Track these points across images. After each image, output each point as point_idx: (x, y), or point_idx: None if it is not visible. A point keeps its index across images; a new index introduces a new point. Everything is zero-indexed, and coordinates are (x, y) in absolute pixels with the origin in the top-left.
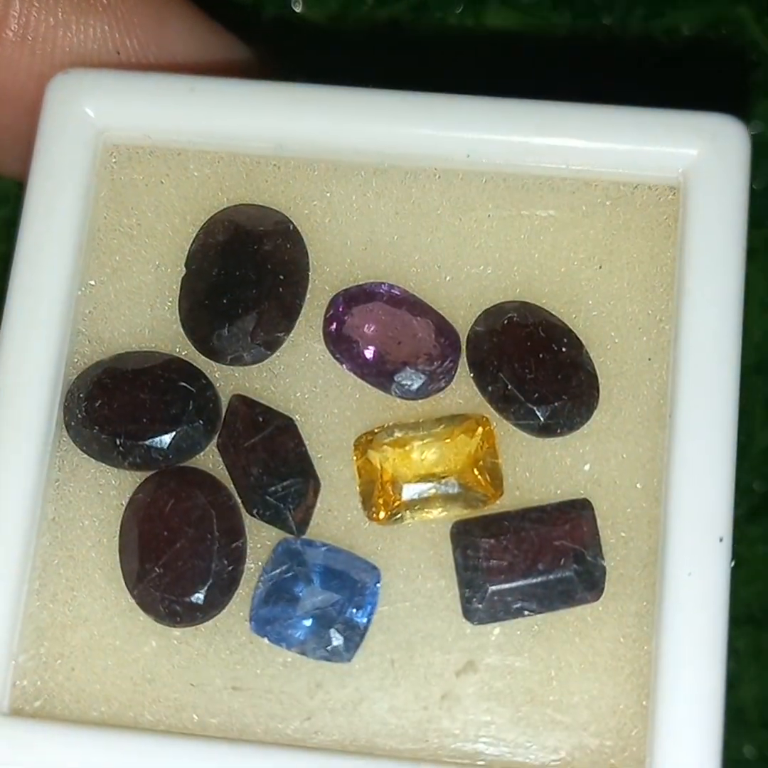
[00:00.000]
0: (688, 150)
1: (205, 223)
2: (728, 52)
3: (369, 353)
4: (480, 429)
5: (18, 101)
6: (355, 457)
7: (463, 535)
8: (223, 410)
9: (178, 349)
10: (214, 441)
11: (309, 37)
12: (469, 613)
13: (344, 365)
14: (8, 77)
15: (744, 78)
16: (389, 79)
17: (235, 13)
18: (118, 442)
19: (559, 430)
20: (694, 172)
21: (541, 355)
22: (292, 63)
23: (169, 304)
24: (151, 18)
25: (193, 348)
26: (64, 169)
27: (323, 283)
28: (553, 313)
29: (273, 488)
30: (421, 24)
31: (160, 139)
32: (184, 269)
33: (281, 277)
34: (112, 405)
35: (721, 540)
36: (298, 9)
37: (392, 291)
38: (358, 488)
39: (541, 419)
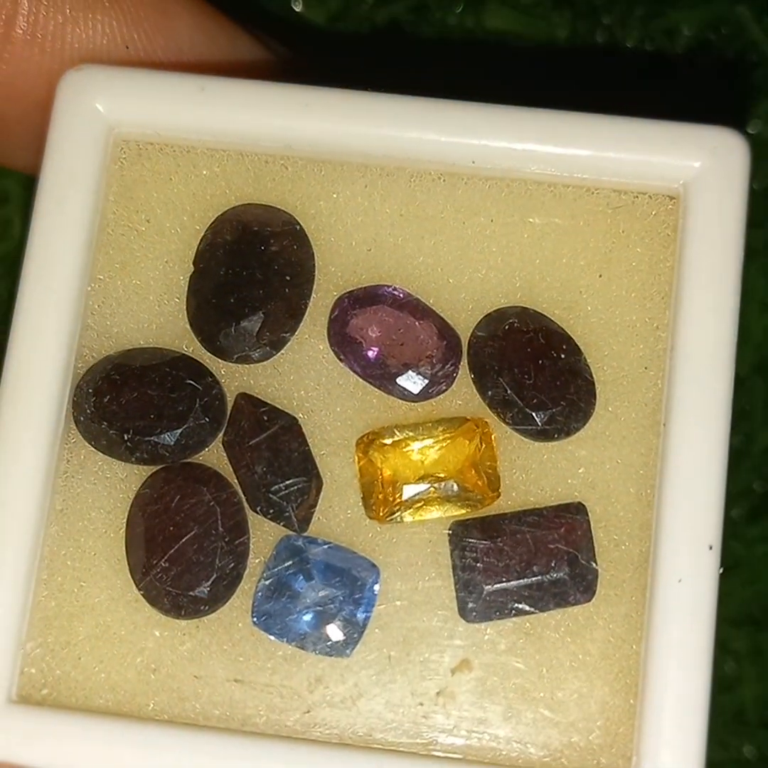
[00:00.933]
0: (690, 162)
1: (213, 222)
2: (728, 52)
3: (372, 354)
4: (479, 432)
5: (29, 98)
6: (356, 457)
7: (460, 536)
8: (229, 408)
9: (184, 345)
10: (220, 438)
11: (309, 36)
12: (464, 612)
13: (347, 365)
14: (19, 74)
15: (744, 78)
16: (389, 79)
17: (235, 13)
18: (125, 438)
19: (556, 435)
20: (694, 183)
21: (540, 361)
22: (291, 62)
23: (177, 300)
24: (157, 11)
25: (200, 345)
26: (75, 164)
27: (328, 283)
28: (553, 319)
29: (276, 486)
30: (421, 24)
31: (170, 137)
32: (191, 267)
33: (288, 278)
34: (121, 401)
35: (710, 548)
36: (298, 8)
37: (396, 293)
38: (359, 487)
39: (539, 424)
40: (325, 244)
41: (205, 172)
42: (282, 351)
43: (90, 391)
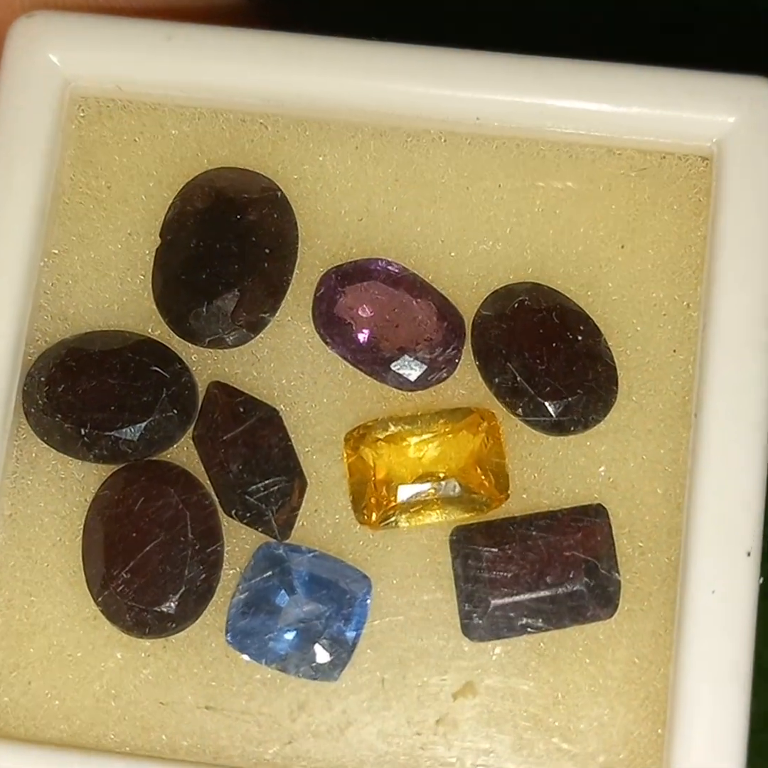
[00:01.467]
0: (724, 117)
1: (182, 188)
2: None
3: (363, 337)
4: (484, 425)
5: None
6: (345, 454)
7: (463, 542)
8: (200, 398)
9: (150, 329)
10: (189, 432)
11: None
12: (468, 629)
13: (335, 350)
14: None
15: None
16: (383, 26)
17: None
18: (82, 432)
19: (572, 428)
20: (729, 141)
21: (554, 344)
22: (270, 8)
23: (141, 277)
24: None
25: (167, 328)
26: (25, 123)
27: (313, 258)
28: (569, 296)
29: (254, 487)
30: None
31: (134, 92)
32: (158, 239)
33: (267, 250)
34: (77, 391)
35: (748, 554)
36: None
37: (390, 268)
38: (348, 488)
39: (553, 415)
40: (309, 213)
41: (173, 132)
42: (260, 334)
43: (42, 379)
